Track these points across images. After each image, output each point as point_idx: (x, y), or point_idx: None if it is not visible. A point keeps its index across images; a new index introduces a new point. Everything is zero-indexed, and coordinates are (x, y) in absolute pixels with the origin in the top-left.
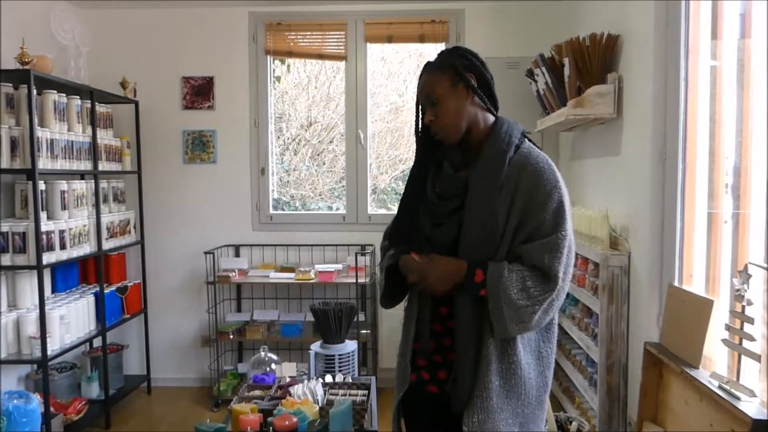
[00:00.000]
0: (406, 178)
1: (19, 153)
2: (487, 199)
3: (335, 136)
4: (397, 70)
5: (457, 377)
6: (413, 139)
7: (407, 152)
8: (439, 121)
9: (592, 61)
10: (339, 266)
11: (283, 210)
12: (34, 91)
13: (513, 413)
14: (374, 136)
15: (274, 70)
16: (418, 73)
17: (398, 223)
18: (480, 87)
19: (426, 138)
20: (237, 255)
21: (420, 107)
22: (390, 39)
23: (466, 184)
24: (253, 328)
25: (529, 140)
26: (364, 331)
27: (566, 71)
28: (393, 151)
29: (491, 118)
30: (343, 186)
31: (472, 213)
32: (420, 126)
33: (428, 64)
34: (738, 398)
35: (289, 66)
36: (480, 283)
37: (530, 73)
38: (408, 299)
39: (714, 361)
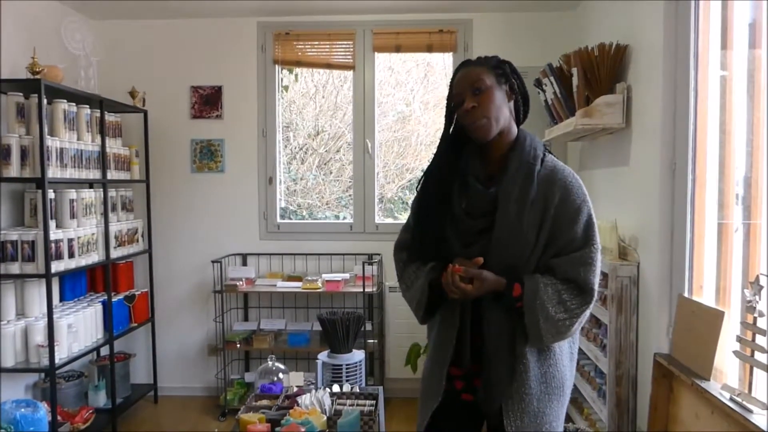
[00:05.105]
0: (421, 186)
1: (29, 162)
2: (518, 215)
3: (342, 145)
4: (404, 80)
5: (489, 384)
6: (420, 148)
7: (414, 161)
8: (481, 109)
9: (600, 71)
10: (346, 275)
11: (290, 219)
12: (45, 101)
13: (555, 416)
14: (381, 145)
15: (282, 80)
16: (426, 82)
17: (424, 240)
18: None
19: (451, 141)
20: (244, 264)
21: (450, 106)
22: (398, 48)
23: (495, 201)
24: (260, 338)
25: (551, 153)
26: (371, 341)
27: (575, 81)
28: (400, 160)
29: (516, 130)
30: (349, 195)
31: (504, 230)
32: (447, 126)
33: (469, 60)
34: (750, 411)
35: (297, 75)
36: (517, 297)
37: (538, 83)
38: (443, 313)
39: (725, 373)
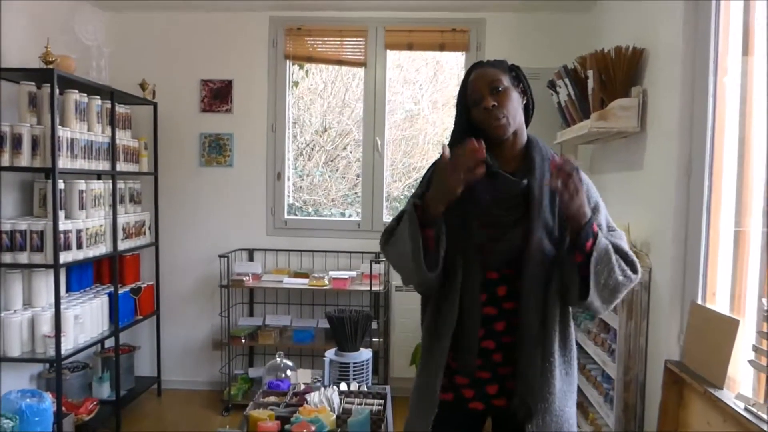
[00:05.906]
0: (431, 178)
1: (39, 152)
2: (551, 206)
3: (349, 142)
4: (413, 78)
5: (524, 388)
6: (428, 147)
7: (421, 161)
8: (501, 107)
9: (616, 74)
10: (353, 273)
11: (296, 215)
12: (57, 91)
13: (572, 414)
14: (389, 143)
15: (292, 75)
16: (435, 81)
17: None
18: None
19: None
20: (251, 259)
21: (463, 104)
22: (410, 46)
23: (526, 192)
24: (266, 333)
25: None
26: (376, 339)
27: (590, 84)
28: (407, 159)
29: (525, 132)
30: (355, 193)
31: (541, 217)
32: (459, 126)
33: (482, 62)
34: (765, 420)
35: (307, 71)
36: (595, 233)
37: (552, 85)
38: (442, 313)
39: (738, 381)
